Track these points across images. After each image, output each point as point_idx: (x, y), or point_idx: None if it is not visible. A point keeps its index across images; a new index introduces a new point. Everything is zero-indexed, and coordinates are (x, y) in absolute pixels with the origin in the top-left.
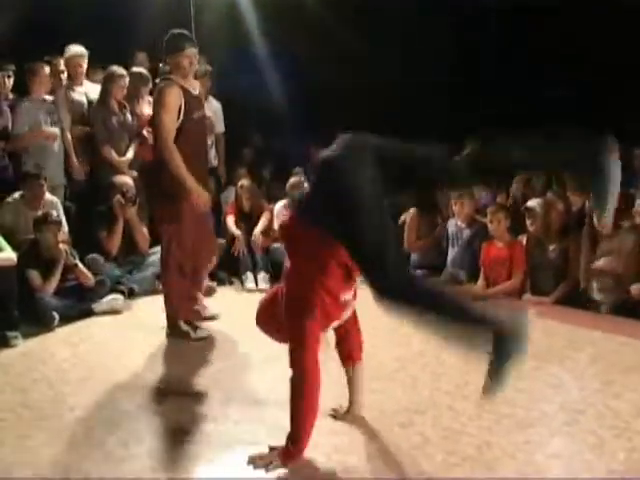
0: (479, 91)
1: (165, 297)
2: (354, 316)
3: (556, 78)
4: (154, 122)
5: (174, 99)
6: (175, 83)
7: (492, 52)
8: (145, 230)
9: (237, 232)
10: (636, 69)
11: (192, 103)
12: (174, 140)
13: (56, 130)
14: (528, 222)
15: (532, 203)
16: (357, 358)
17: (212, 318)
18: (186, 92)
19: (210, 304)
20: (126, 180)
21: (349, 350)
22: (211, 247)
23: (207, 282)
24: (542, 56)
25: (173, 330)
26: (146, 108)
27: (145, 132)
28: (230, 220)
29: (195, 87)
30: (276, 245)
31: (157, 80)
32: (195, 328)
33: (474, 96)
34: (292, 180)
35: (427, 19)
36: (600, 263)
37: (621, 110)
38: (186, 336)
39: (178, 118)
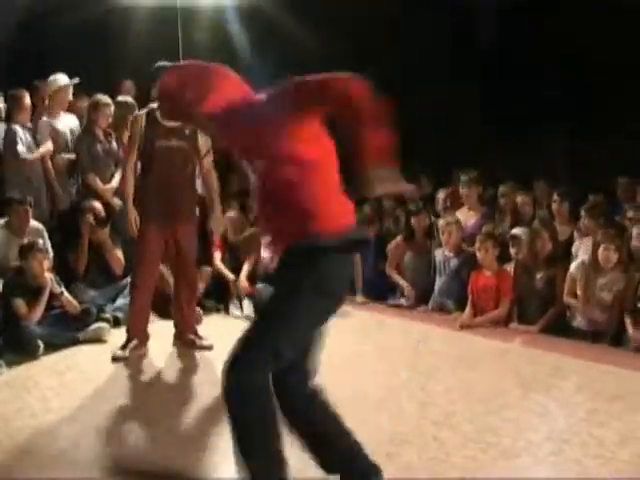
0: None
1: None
2: None
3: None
4: None
5: (135, 127)
6: (145, 111)
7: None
8: (119, 254)
9: (230, 276)
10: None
11: (159, 131)
12: (144, 166)
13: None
14: (513, 250)
15: (517, 231)
16: None
17: (207, 348)
18: (153, 120)
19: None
20: (96, 204)
21: None
22: (191, 277)
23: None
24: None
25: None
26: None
27: None
28: (217, 257)
29: None
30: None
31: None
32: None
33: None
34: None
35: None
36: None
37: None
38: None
39: (141, 146)
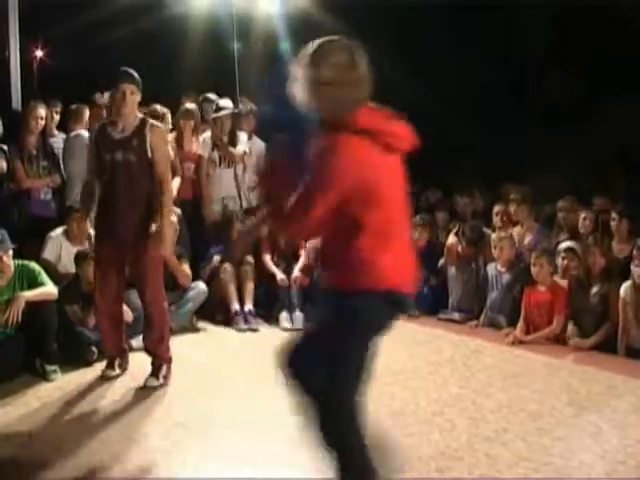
0: None
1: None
2: None
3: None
4: None
5: (88, 142)
6: (98, 126)
7: None
8: (186, 267)
9: (281, 275)
10: None
11: (106, 145)
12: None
13: None
14: (563, 263)
15: (570, 244)
16: None
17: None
18: (101, 133)
19: (248, 341)
20: None
21: None
22: (152, 303)
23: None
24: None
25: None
26: (193, 144)
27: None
28: (267, 257)
29: (126, 129)
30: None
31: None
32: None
33: None
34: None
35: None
36: None
37: None
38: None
39: (93, 159)
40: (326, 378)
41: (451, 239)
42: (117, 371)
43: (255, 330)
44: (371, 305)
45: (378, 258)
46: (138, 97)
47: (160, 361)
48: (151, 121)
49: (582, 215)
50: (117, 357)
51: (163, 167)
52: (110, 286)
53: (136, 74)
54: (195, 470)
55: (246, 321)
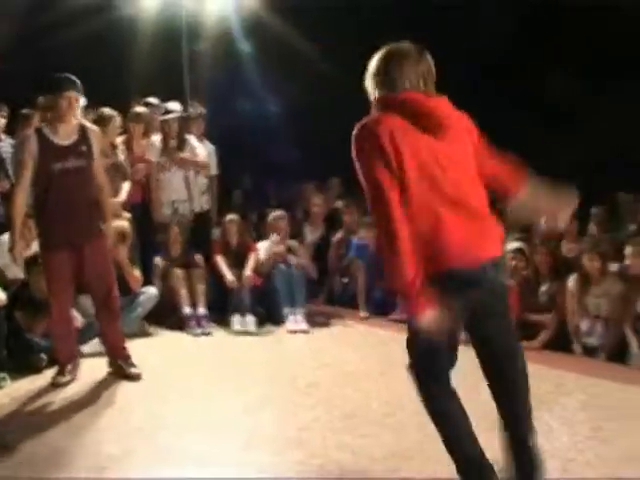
0: None
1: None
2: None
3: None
4: None
5: (26, 151)
6: (35, 133)
7: None
8: (136, 270)
9: (230, 277)
10: None
11: (52, 154)
12: (33, 191)
13: None
14: (512, 263)
15: (517, 244)
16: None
17: (134, 378)
18: (45, 142)
19: (200, 345)
20: (121, 222)
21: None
22: (108, 299)
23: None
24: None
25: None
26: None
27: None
28: (219, 259)
29: (69, 136)
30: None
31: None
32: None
33: None
34: (275, 214)
35: None
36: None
37: None
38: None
39: (36, 167)
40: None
41: None
42: (68, 378)
43: (208, 334)
44: None
45: None
46: (81, 103)
47: (127, 351)
48: (90, 126)
49: None
50: (69, 364)
51: (102, 170)
52: (65, 291)
53: (78, 80)
54: (145, 475)
55: (199, 325)
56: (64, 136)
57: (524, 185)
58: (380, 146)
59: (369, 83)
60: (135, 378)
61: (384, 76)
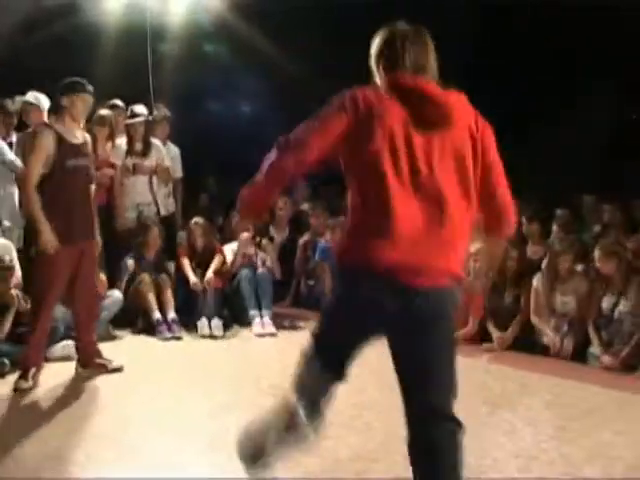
0: None
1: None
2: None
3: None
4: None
5: (43, 144)
6: (49, 129)
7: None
8: (102, 275)
9: (194, 279)
10: None
11: (67, 151)
12: (47, 185)
13: None
14: (475, 265)
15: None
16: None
17: (117, 370)
18: (59, 139)
19: (168, 349)
20: None
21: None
22: (90, 297)
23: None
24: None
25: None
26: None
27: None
28: (185, 262)
29: (79, 135)
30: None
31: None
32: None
33: None
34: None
35: None
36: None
37: None
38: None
39: (49, 164)
40: None
41: None
42: (30, 383)
43: (179, 338)
44: None
45: None
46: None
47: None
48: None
49: None
50: (34, 368)
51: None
52: (58, 294)
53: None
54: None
55: (169, 329)
56: (74, 135)
57: (497, 235)
58: (348, 106)
59: (373, 63)
60: (119, 370)
61: (387, 57)
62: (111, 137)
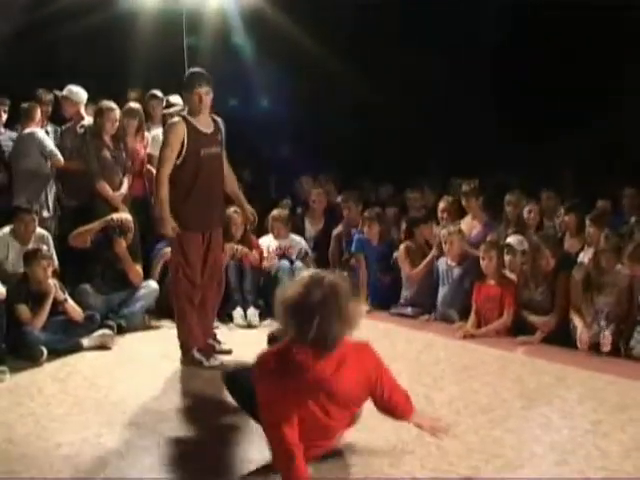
0: None
1: (178, 327)
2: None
3: None
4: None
5: (175, 135)
6: (181, 120)
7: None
8: (138, 265)
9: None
10: None
11: (199, 140)
12: (178, 174)
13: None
14: (507, 258)
15: (512, 240)
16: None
17: (226, 352)
18: (193, 129)
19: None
20: (124, 215)
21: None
22: (219, 280)
23: None
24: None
25: (186, 358)
26: (138, 143)
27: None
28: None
29: (208, 125)
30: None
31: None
32: (209, 357)
33: None
34: (275, 212)
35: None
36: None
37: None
38: (199, 364)
39: (181, 154)
40: None
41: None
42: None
43: (216, 327)
44: None
45: None
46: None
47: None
48: (217, 118)
49: (527, 208)
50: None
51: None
52: (197, 274)
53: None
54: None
55: None
56: (205, 125)
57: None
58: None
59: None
60: (228, 352)
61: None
62: (140, 129)
